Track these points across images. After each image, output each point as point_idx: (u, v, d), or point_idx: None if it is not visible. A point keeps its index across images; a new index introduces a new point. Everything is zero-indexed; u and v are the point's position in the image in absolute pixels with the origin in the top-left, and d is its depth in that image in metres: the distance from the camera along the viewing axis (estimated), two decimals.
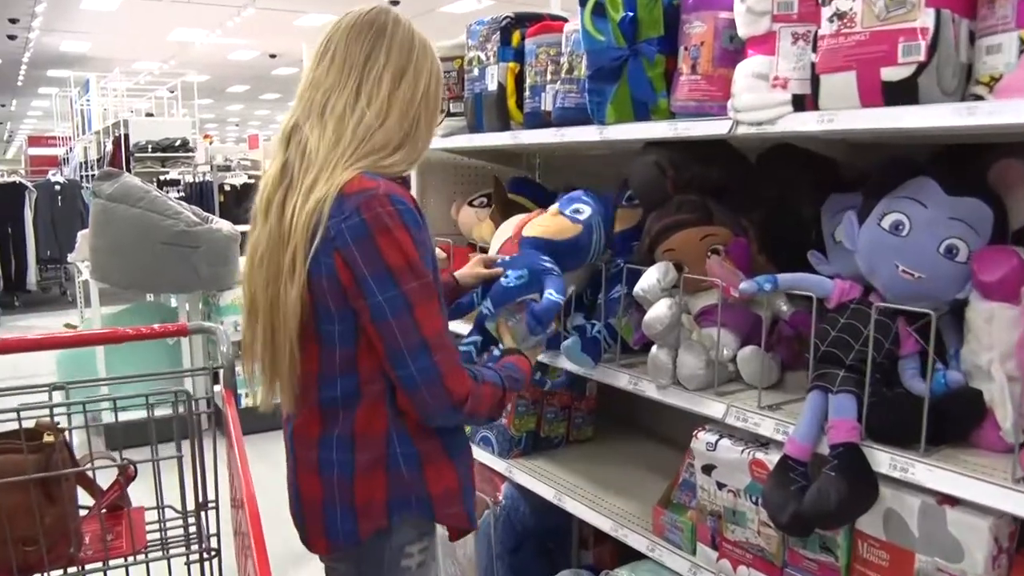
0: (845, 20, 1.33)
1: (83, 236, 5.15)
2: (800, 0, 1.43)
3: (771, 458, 1.54)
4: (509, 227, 2.22)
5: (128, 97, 13.76)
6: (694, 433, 1.71)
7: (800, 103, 1.44)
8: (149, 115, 13.10)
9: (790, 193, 1.79)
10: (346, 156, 1.39)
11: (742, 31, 1.53)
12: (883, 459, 1.36)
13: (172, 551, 1.84)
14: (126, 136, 10.28)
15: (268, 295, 1.43)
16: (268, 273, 1.43)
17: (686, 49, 1.65)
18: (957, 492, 1.26)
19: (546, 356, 2.02)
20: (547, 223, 1.89)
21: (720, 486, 1.66)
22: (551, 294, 1.70)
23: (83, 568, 1.68)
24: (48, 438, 1.58)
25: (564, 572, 2.30)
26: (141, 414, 1.72)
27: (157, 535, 1.83)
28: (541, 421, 2.46)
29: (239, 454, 1.50)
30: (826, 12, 1.36)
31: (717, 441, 1.66)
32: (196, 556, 1.83)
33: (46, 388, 1.75)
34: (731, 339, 1.73)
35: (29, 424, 1.61)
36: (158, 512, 1.83)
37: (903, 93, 1.27)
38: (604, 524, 2.01)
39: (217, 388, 1.93)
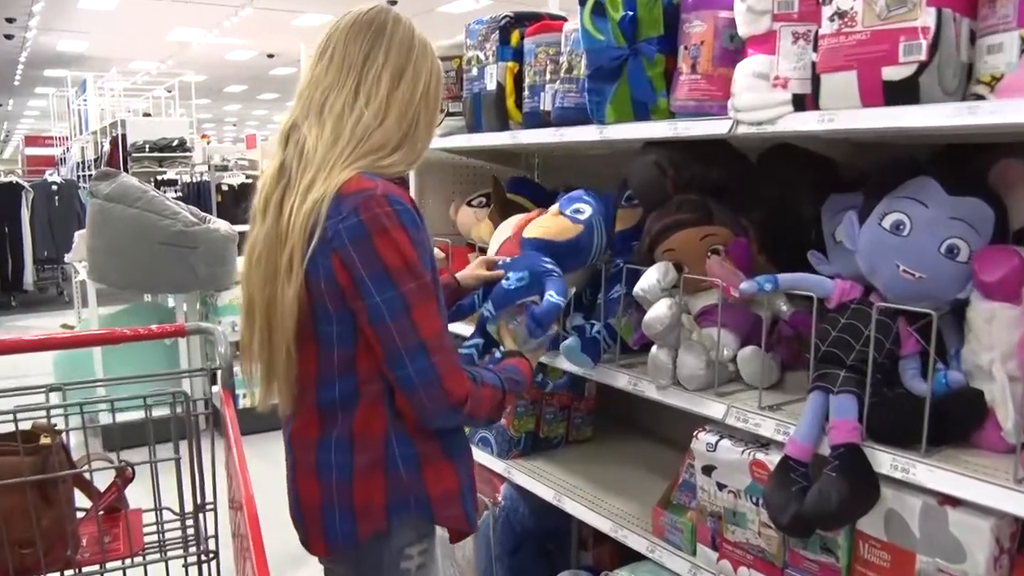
0: (846, 19, 1.32)
1: (80, 236, 5.13)
2: None
3: (771, 459, 1.53)
4: (508, 227, 2.21)
5: (125, 97, 13.73)
6: (694, 434, 1.71)
7: (800, 103, 1.44)
8: (146, 115, 13.09)
9: (790, 193, 1.79)
10: (344, 156, 1.39)
11: (742, 30, 1.52)
12: (884, 460, 1.35)
13: (170, 553, 1.83)
14: (123, 136, 10.26)
15: (265, 295, 1.43)
16: (265, 272, 1.42)
17: (686, 48, 1.65)
18: (958, 493, 1.26)
19: (546, 357, 2.02)
20: (548, 224, 1.89)
21: (720, 487, 1.66)
22: (551, 296, 1.70)
23: (80, 571, 1.67)
24: (45, 440, 1.57)
25: (564, 573, 2.29)
26: (138, 415, 1.71)
27: (155, 537, 1.82)
28: (540, 421, 2.46)
29: (238, 456, 1.49)
30: (827, 11, 1.35)
31: (717, 442, 1.65)
32: (194, 558, 1.82)
33: (43, 389, 1.74)
34: (731, 339, 1.72)
35: (26, 426, 1.60)
36: (156, 514, 1.82)
37: (904, 93, 1.27)
38: (604, 525, 2.01)
39: (215, 389, 1.92)
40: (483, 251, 2.49)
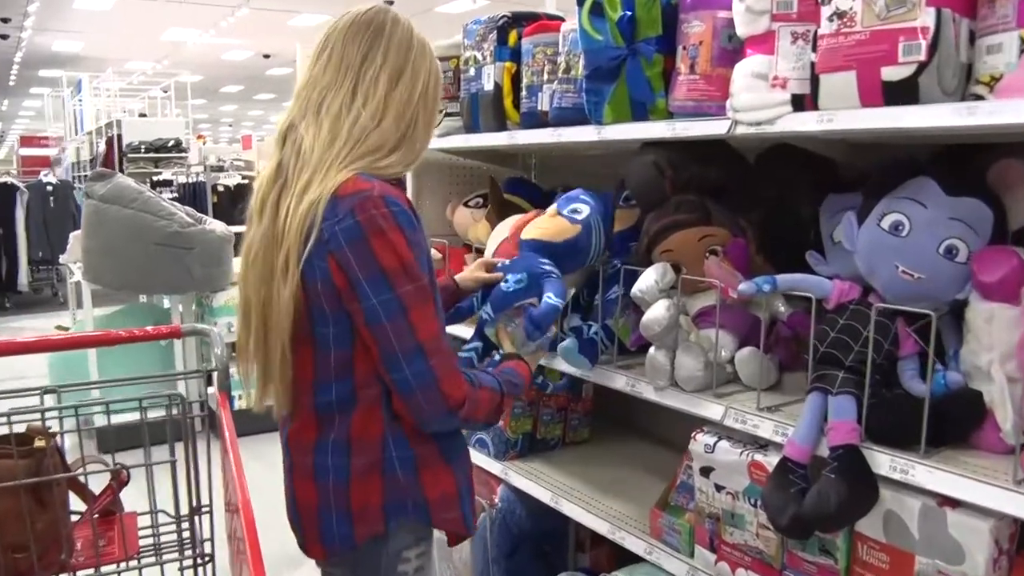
0: (845, 19, 1.32)
1: (75, 237, 5.12)
2: None
3: (770, 460, 1.53)
4: (505, 228, 2.20)
5: (121, 97, 13.70)
6: (692, 435, 1.70)
7: (799, 103, 1.44)
8: (142, 115, 13.06)
9: (788, 193, 1.79)
10: (341, 157, 1.38)
11: (741, 30, 1.52)
12: (883, 461, 1.35)
13: (165, 557, 1.82)
14: (119, 136, 10.24)
15: (261, 295, 1.42)
16: (262, 273, 1.42)
17: (684, 49, 1.64)
18: (958, 494, 1.26)
19: (544, 358, 2.01)
20: (546, 225, 1.88)
21: (718, 488, 1.65)
22: (550, 298, 1.69)
23: (74, 575, 1.66)
24: (39, 443, 1.56)
25: (561, 575, 2.29)
26: (134, 417, 1.70)
27: (150, 540, 1.81)
28: (537, 423, 2.45)
29: (234, 458, 1.48)
30: (826, 11, 1.35)
31: (715, 443, 1.65)
32: (190, 562, 1.81)
33: (37, 392, 1.72)
34: (729, 340, 1.72)
35: (20, 428, 1.59)
36: (151, 517, 1.81)
37: (903, 93, 1.26)
38: (601, 527, 2.00)
39: (211, 390, 1.91)
40: (480, 252, 2.48)
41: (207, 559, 1.82)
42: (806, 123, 1.42)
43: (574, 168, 2.75)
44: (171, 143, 10.39)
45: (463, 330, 2.05)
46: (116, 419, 1.67)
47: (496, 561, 2.37)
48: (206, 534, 1.83)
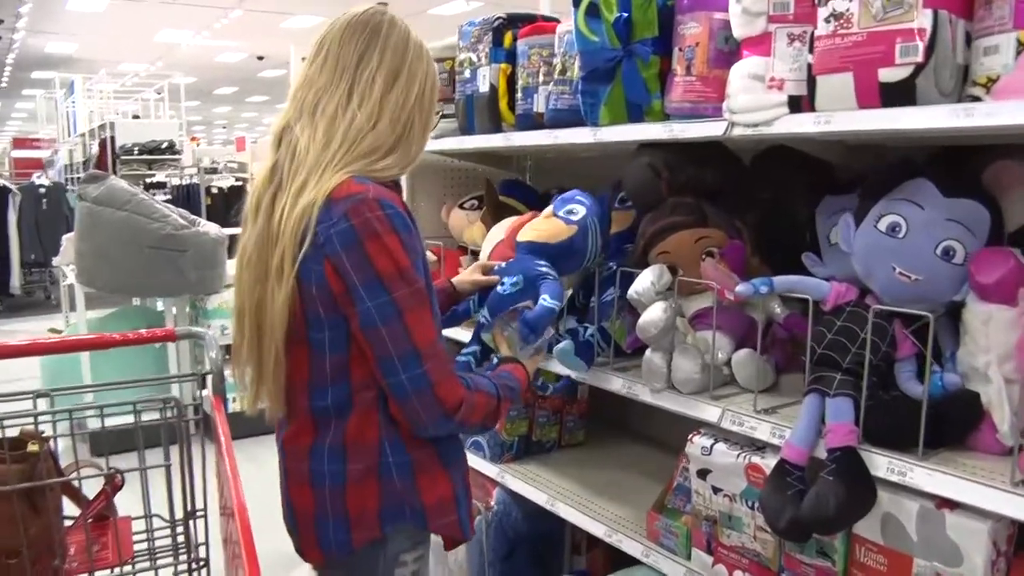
0: (842, 21, 1.32)
1: (68, 239, 5.09)
2: (796, 1, 1.43)
3: (767, 462, 1.53)
4: (501, 230, 2.20)
5: (114, 99, 13.66)
6: (689, 437, 1.70)
7: (796, 104, 1.43)
8: (135, 117, 13.01)
9: (784, 195, 1.79)
10: (336, 159, 1.37)
11: (737, 32, 1.51)
12: (881, 463, 1.35)
13: (160, 561, 1.81)
14: (112, 138, 10.20)
15: (255, 297, 1.41)
16: (256, 274, 1.41)
17: (681, 50, 1.64)
18: (956, 496, 1.26)
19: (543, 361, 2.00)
20: (541, 226, 1.87)
21: (716, 491, 1.65)
22: (545, 300, 1.68)
23: None
24: (32, 447, 1.55)
25: None
26: (128, 419, 1.69)
27: (145, 545, 1.80)
28: (533, 425, 2.44)
29: (229, 462, 1.47)
30: (822, 13, 1.35)
31: (712, 445, 1.64)
32: (184, 566, 1.80)
33: (30, 395, 1.71)
34: (725, 342, 1.71)
35: (13, 432, 1.58)
36: (146, 521, 1.80)
37: (901, 94, 1.26)
38: (598, 529, 1.99)
39: (205, 393, 1.90)
40: (475, 254, 2.47)
41: (202, 563, 1.81)
42: (803, 124, 1.42)
43: (569, 170, 2.75)
44: (164, 145, 10.36)
45: (462, 334, 2.04)
46: (110, 422, 1.67)
47: (492, 564, 2.37)
48: (201, 538, 1.82)
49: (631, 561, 1.93)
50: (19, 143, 17.77)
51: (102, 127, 10.77)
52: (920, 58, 1.23)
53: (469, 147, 2.40)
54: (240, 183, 8.69)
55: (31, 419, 1.63)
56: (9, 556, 1.50)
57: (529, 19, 2.22)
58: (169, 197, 8.26)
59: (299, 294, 1.37)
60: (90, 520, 1.72)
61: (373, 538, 1.43)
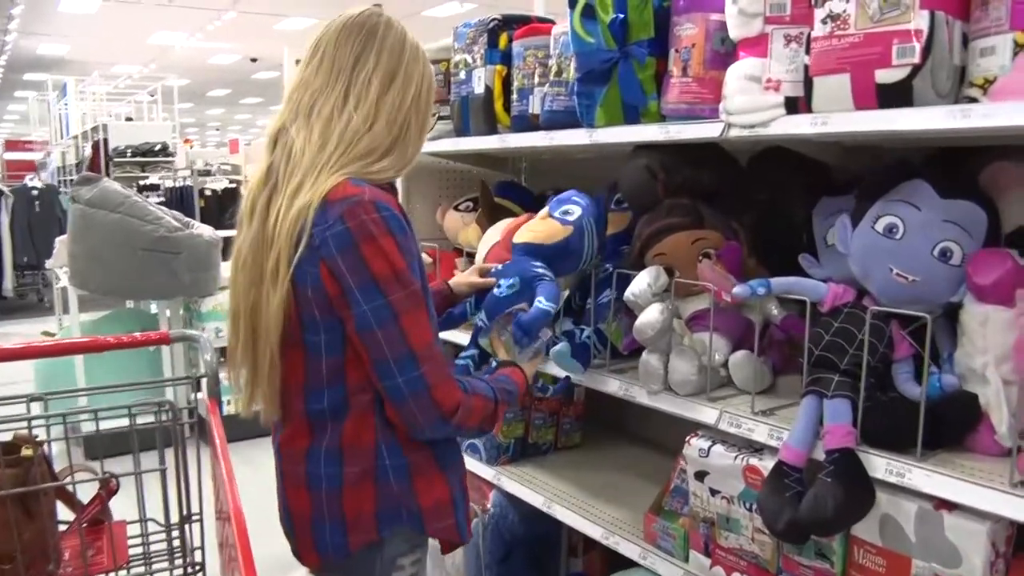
0: (838, 22, 1.32)
1: (61, 242, 5.08)
2: (793, 2, 1.42)
3: (765, 464, 1.52)
4: (496, 232, 2.19)
5: (107, 101, 13.62)
6: (687, 439, 1.70)
7: (793, 105, 1.43)
8: (129, 119, 12.98)
9: (781, 196, 1.79)
10: (332, 161, 1.36)
11: (734, 33, 1.51)
12: (879, 464, 1.35)
13: (155, 566, 1.79)
14: (105, 140, 10.17)
15: (250, 299, 1.40)
16: (251, 277, 1.40)
17: (677, 51, 1.64)
18: (955, 497, 1.26)
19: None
20: (537, 228, 1.87)
21: (713, 492, 1.64)
22: (540, 302, 1.67)
23: None
24: (26, 452, 1.54)
25: None
26: (121, 422, 1.68)
27: (140, 550, 1.79)
28: (529, 427, 2.44)
29: (225, 466, 1.46)
30: (819, 14, 1.35)
31: (710, 447, 1.64)
32: (180, 571, 1.79)
33: (24, 399, 1.70)
34: (722, 344, 1.71)
35: (6, 437, 1.57)
36: (141, 526, 1.79)
37: (898, 95, 1.26)
38: (595, 532, 1.99)
39: (200, 396, 1.89)
40: (471, 256, 2.47)
41: (198, 568, 1.80)
42: (800, 126, 1.41)
43: (564, 171, 2.75)
44: (158, 147, 10.33)
45: (460, 336, 2.03)
46: (104, 425, 1.65)
47: (489, 567, 2.36)
48: (196, 542, 1.81)
49: (628, 563, 1.92)
50: (11, 145, 17.72)
51: (95, 129, 10.73)
52: (917, 59, 1.23)
53: (464, 149, 2.40)
54: (234, 185, 8.67)
55: (25, 423, 1.62)
56: (3, 561, 1.49)
57: (524, 20, 2.22)
58: (162, 199, 8.23)
59: (294, 297, 1.36)
60: (85, 525, 1.71)
61: (370, 541, 1.42)
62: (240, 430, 2.45)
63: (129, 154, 10.15)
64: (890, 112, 1.27)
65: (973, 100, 1.23)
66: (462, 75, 2.31)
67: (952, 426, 1.35)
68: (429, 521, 1.45)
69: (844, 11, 1.31)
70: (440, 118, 2.44)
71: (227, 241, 4.60)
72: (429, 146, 2.47)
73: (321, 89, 1.40)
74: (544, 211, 1.92)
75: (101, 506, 1.75)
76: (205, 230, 4.52)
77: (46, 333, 6.81)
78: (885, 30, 1.26)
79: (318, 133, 1.38)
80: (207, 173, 9.04)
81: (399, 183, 2.78)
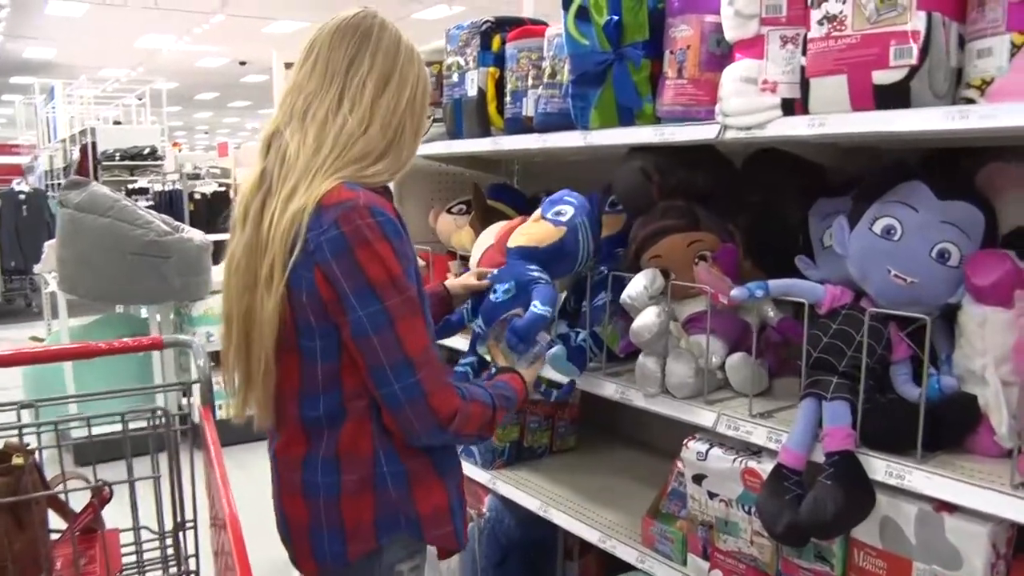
0: (835, 23, 1.31)
1: (50, 246, 5.03)
2: (789, 3, 1.42)
3: (764, 467, 1.52)
4: (490, 235, 2.18)
5: (95, 105, 13.54)
6: (684, 442, 1.69)
7: (790, 107, 1.43)
8: (117, 123, 12.91)
9: (776, 198, 1.78)
10: (326, 164, 1.35)
11: (729, 34, 1.51)
12: (879, 466, 1.34)
13: (149, 574, 1.78)
14: (93, 144, 10.11)
15: (243, 304, 1.38)
16: (244, 281, 1.38)
17: (672, 53, 1.63)
18: (956, 499, 1.25)
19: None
20: (530, 230, 1.86)
21: (711, 496, 1.64)
22: (535, 306, 1.66)
23: None
24: (17, 460, 1.52)
25: None
26: (112, 428, 1.66)
27: (133, 558, 1.77)
28: (524, 431, 2.43)
29: (219, 473, 1.44)
30: (816, 15, 1.34)
31: (708, 450, 1.63)
32: None
33: (14, 407, 1.68)
34: (719, 346, 1.70)
35: None
36: (134, 534, 1.77)
37: (895, 96, 1.26)
38: (592, 535, 1.98)
39: (192, 401, 1.87)
40: (464, 259, 2.46)
41: (192, 575, 1.78)
42: (797, 127, 1.41)
43: (557, 174, 2.73)
44: (146, 151, 10.28)
45: (460, 343, 2.02)
46: (95, 431, 1.63)
47: (485, 571, 2.35)
48: (191, 550, 1.79)
49: (624, 567, 1.91)
50: None
51: (83, 133, 10.66)
52: (914, 60, 1.23)
53: (457, 151, 2.38)
54: (223, 189, 8.63)
55: (15, 431, 1.60)
56: None
57: (517, 22, 2.21)
58: (151, 203, 8.19)
59: (289, 302, 1.34)
60: (77, 533, 1.69)
61: (369, 549, 1.41)
62: (233, 434, 2.43)
63: (117, 158, 10.10)
64: (888, 113, 1.27)
65: (970, 101, 1.22)
66: (455, 77, 2.30)
67: (951, 428, 1.35)
68: (428, 528, 1.44)
69: (841, 12, 1.30)
70: (434, 121, 2.43)
71: (217, 245, 4.57)
72: (421, 149, 2.44)
73: (315, 92, 1.38)
74: (537, 213, 1.91)
75: (94, 514, 1.73)
76: (195, 234, 4.50)
77: (34, 338, 6.77)
78: (882, 31, 1.26)
79: (312, 136, 1.36)
80: (196, 177, 9.00)
81: (391, 185, 2.77)
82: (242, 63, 15.96)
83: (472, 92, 2.24)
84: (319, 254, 1.30)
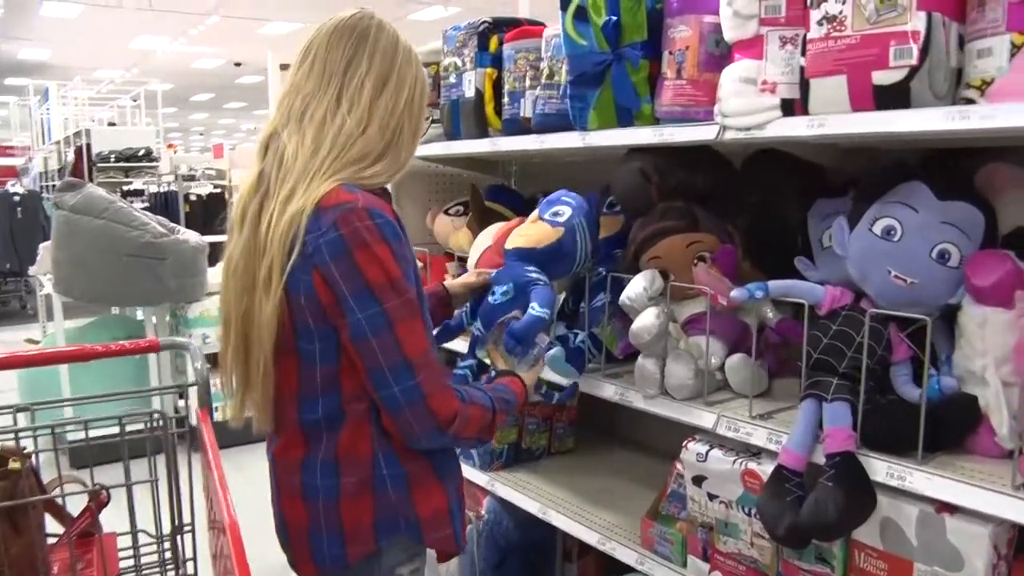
0: (835, 23, 1.31)
1: (45, 248, 5.01)
2: (788, 3, 1.42)
3: (763, 468, 1.51)
4: (488, 236, 2.18)
5: (90, 106, 13.50)
6: (684, 444, 1.69)
7: (789, 107, 1.42)
8: (111, 124, 12.86)
9: (775, 198, 1.78)
10: (325, 166, 1.34)
11: (728, 35, 1.50)
12: (880, 467, 1.34)
13: None
14: (88, 146, 10.08)
15: (241, 307, 1.38)
16: (243, 284, 1.37)
17: (671, 53, 1.63)
18: (957, 500, 1.25)
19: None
20: (528, 231, 1.85)
21: (711, 497, 1.63)
22: (533, 308, 1.65)
23: None
24: (14, 464, 1.51)
25: None
26: (111, 431, 1.65)
27: (131, 562, 1.76)
28: (522, 432, 2.42)
29: (218, 476, 1.43)
30: (815, 15, 1.34)
31: (708, 452, 1.63)
32: None
33: (10, 410, 1.67)
34: (719, 347, 1.70)
35: None
36: (131, 537, 1.76)
37: (895, 97, 1.25)
38: (591, 537, 1.97)
39: (189, 403, 1.86)
40: (462, 260, 2.45)
41: None
42: (796, 128, 1.41)
43: (555, 175, 2.73)
44: (141, 152, 10.25)
45: (460, 345, 2.01)
46: (92, 434, 1.63)
47: (483, 574, 2.35)
48: (188, 553, 1.78)
49: (624, 568, 1.91)
50: None
51: (77, 134, 10.63)
52: (914, 61, 1.23)
53: (455, 152, 2.38)
54: (218, 190, 8.61)
55: (12, 435, 1.59)
56: None
57: (515, 23, 2.20)
58: (147, 205, 8.17)
59: (287, 304, 1.34)
60: (74, 537, 1.68)
61: (368, 551, 1.40)
62: (230, 436, 2.42)
63: (112, 159, 10.07)
64: (888, 114, 1.27)
65: (970, 101, 1.22)
66: (452, 78, 2.29)
67: (952, 428, 1.35)
68: (427, 531, 1.43)
69: (840, 12, 1.30)
70: (433, 122, 2.42)
71: (213, 246, 4.56)
72: (419, 150, 2.43)
73: (313, 93, 1.37)
74: (534, 214, 1.91)
75: (91, 518, 1.72)
76: (191, 235, 4.48)
77: (29, 340, 6.74)
78: (882, 31, 1.25)
79: (311, 138, 1.35)
80: (191, 178, 8.99)
81: (388, 186, 2.76)
82: (237, 64, 15.93)
83: (470, 93, 2.23)
84: (318, 256, 1.30)
